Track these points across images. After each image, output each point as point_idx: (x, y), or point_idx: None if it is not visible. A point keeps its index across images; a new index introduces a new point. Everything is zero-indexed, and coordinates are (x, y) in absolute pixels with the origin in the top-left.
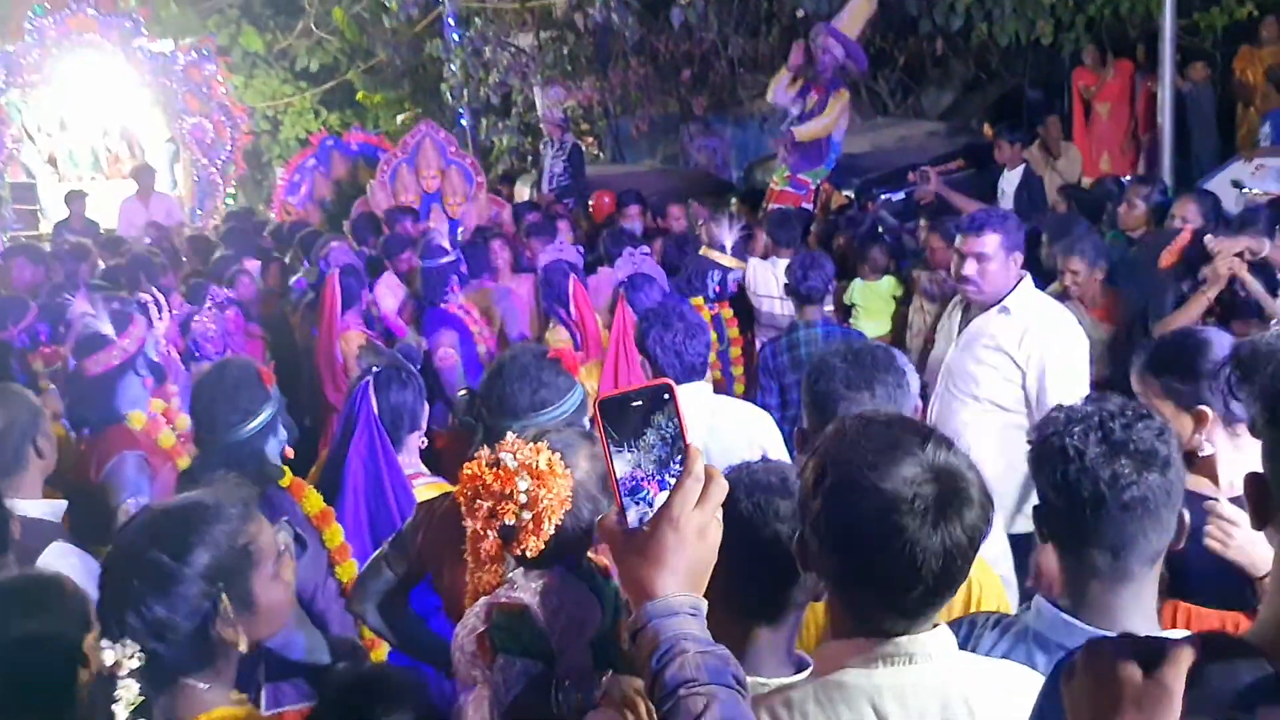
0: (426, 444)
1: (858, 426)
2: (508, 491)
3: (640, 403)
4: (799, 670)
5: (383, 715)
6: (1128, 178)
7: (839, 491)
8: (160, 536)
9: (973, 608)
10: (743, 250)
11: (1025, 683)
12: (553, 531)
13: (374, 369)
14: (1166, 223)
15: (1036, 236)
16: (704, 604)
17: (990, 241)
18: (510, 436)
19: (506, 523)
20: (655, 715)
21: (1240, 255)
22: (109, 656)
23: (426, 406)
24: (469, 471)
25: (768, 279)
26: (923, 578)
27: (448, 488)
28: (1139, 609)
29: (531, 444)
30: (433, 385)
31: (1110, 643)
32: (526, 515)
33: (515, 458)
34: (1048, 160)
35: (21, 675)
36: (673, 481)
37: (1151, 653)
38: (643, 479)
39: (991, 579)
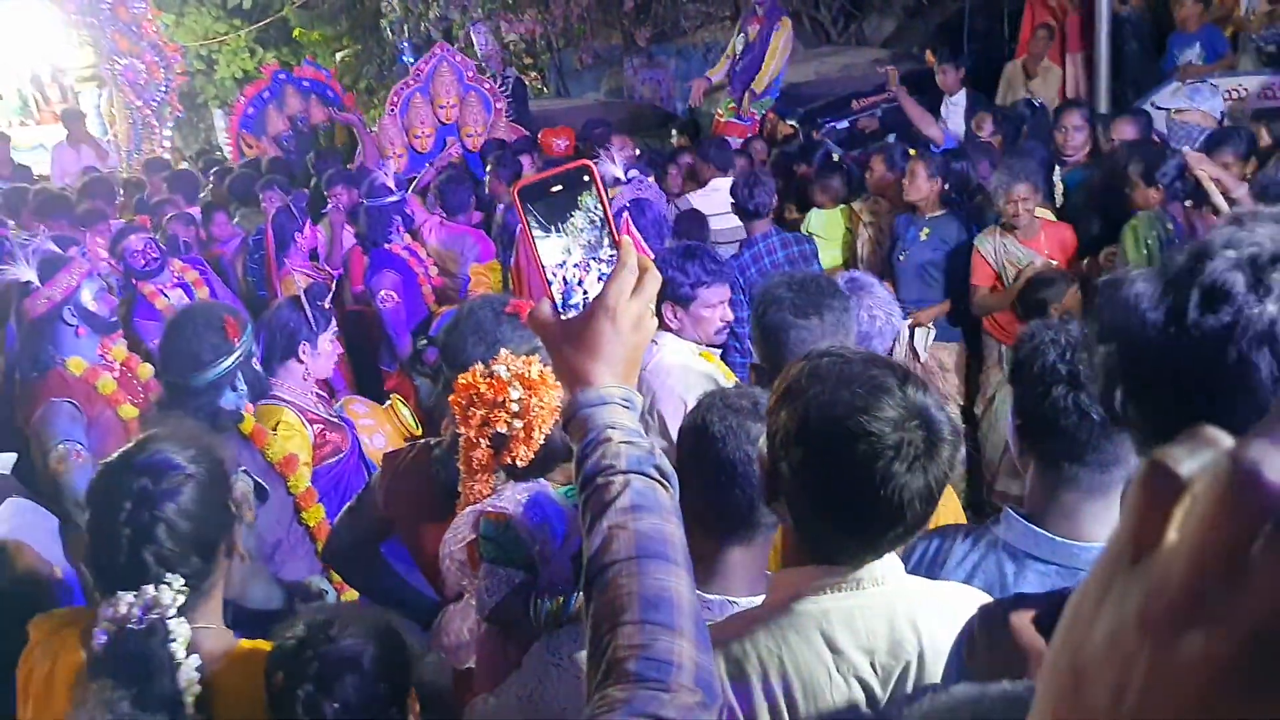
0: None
1: (834, 368)
2: (500, 400)
3: (561, 187)
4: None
5: (339, 638)
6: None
7: (825, 437)
8: (153, 465)
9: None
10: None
11: (970, 603)
12: (542, 441)
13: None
14: (1105, 145)
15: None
16: (637, 397)
17: None
18: (503, 351)
19: (499, 431)
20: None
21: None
22: (165, 596)
23: (331, 345)
24: (463, 382)
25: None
26: (904, 517)
27: (280, 411)
28: (1107, 520)
29: (524, 356)
30: (376, 326)
31: (1003, 608)
32: (518, 424)
33: (508, 369)
34: (1025, 80)
35: None
36: (602, 269)
37: (1050, 613)
38: (571, 265)
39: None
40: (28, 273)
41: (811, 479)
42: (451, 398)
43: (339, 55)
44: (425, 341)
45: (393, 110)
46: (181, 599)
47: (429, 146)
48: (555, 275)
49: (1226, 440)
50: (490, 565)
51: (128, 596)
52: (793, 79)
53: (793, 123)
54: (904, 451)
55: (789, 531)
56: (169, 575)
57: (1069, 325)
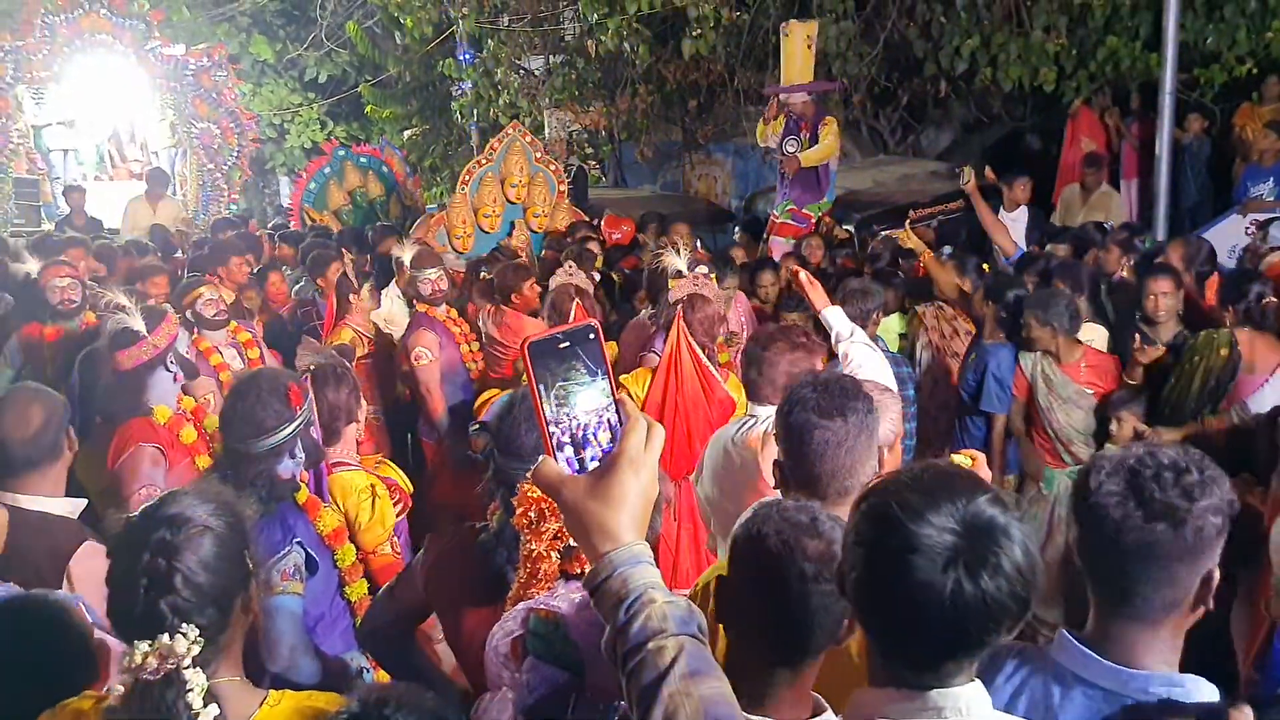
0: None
1: (920, 470)
2: None
3: (568, 344)
4: (815, 714)
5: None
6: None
7: (868, 517)
8: (173, 517)
9: None
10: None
11: None
12: None
13: (311, 367)
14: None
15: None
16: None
17: None
18: None
19: (570, 545)
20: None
21: None
22: (180, 645)
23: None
24: (532, 495)
25: None
26: (927, 622)
27: (369, 477)
28: (1157, 652)
29: None
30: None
31: None
32: None
33: None
34: (1082, 204)
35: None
36: (605, 424)
37: None
38: (576, 423)
39: None
40: (138, 322)
41: (851, 554)
42: (520, 512)
43: (407, 133)
44: (477, 427)
45: (464, 188)
46: (197, 649)
47: (497, 226)
48: (601, 419)
49: None
50: (535, 660)
51: (143, 646)
52: (851, 185)
53: (848, 227)
54: (930, 551)
55: (863, 642)
56: (184, 626)
57: (1141, 451)
